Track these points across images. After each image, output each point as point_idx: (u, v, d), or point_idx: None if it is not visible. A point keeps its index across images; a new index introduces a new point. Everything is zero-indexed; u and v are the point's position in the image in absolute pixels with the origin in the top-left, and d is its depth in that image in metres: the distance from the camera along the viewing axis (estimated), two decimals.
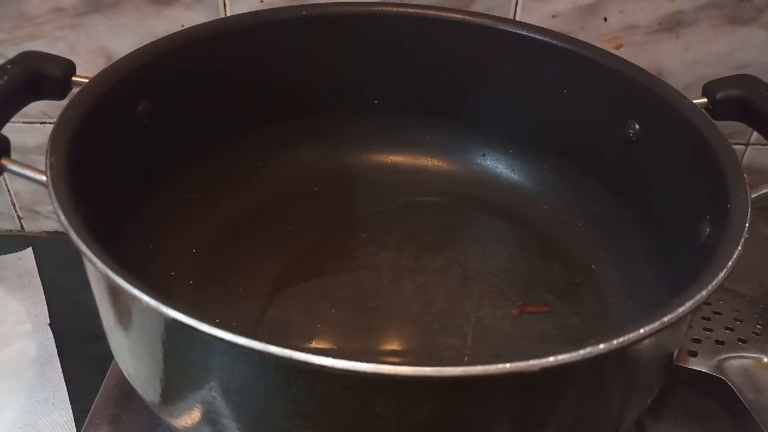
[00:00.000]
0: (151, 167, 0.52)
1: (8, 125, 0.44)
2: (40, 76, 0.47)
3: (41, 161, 0.40)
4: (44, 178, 0.39)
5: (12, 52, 0.48)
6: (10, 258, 0.69)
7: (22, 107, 0.46)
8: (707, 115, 0.48)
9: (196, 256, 0.54)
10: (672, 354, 0.43)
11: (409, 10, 0.58)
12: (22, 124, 0.67)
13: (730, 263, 0.37)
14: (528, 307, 0.52)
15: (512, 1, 0.62)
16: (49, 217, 0.74)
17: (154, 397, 0.41)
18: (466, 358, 0.49)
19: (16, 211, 0.74)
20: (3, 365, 0.58)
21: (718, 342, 0.52)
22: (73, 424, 0.54)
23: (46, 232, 0.75)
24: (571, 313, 0.53)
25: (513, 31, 0.56)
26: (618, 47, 0.64)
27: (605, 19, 0.62)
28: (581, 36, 0.57)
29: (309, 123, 0.61)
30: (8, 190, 0.72)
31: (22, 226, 0.75)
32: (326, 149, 0.63)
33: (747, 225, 0.39)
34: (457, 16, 0.57)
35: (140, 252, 0.50)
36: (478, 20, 0.57)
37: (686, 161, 0.48)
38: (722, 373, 0.50)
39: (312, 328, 0.50)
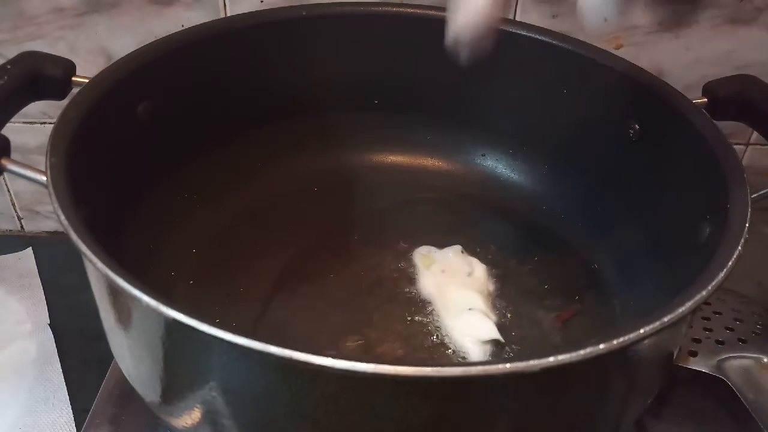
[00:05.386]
0: (151, 167, 0.52)
1: (8, 125, 0.44)
2: (40, 76, 0.47)
3: (41, 161, 0.40)
4: (44, 178, 0.39)
5: (12, 52, 0.48)
6: (10, 258, 0.69)
7: (22, 107, 0.46)
8: (707, 115, 0.48)
9: (196, 256, 0.54)
10: (672, 354, 0.43)
11: (409, 10, 0.58)
12: (22, 124, 0.67)
13: (730, 263, 0.37)
14: (564, 314, 0.52)
15: (512, 1, 0.61)
16: (49, 217, 0.74)
17: (154, 397, 0.41)
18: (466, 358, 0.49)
19: (16, 211, 0.74)
20: (3, 365, 0.58)
21: (718, 342, 0.52)
22: (73, 424, 0.54)
23: (46, 232, 0.75)
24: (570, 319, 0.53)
25: (513, 31, 0.56)
26: (618, 47, 0.64)
27: (605, 19, 0.62)
28: (581, 36, 0.57)
29: (309, 123, 0.61)
30: (8, 190, 0.72)
31: (22, 226, 0.75)
32: (326, 149, 0.63)
33: (747, 225, 0.39)
34: None
35: (140, 252, 0.50)
36: None
37: (686, 161, 0.48)
38: (722, 373, 0.50)
39: (312, 328, 0.50)
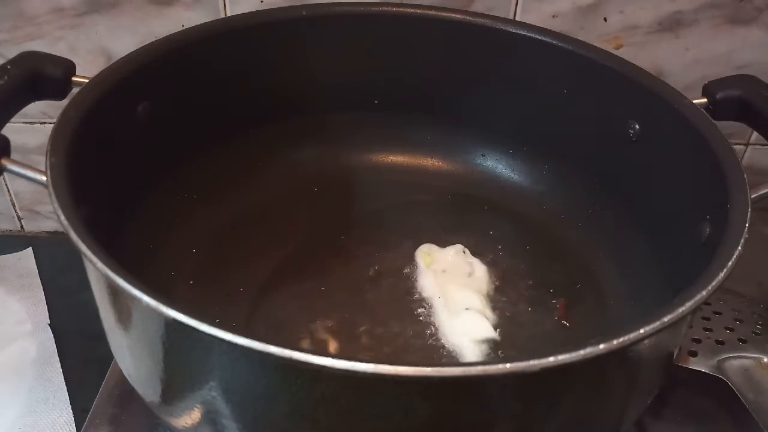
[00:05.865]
0: (151, 167, 0.52)
1: (8, 125, 0.44)
2: (40, 76, 0.47)
3: (41, 161, 0.40)
4: (44, 178, 0.39)
5: (12, 52, 0.48)
6: (10, 258, 0.69)
7: (22, 107, 0.46)
8: (707, 115, 0.48)
9: (196, 256, 0.54)
10: (672, 354, 0.43)
11: (409, 10, 0.58)
12: (22, 124, 0.67)
13: (730, 263, 0.37)
14: (562, 308, 0.52)
15: (512, 1, 0.62)
16: (49, 217, 0.74)
17: (154, 397, 0.41)
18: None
19: (16, 211, 0.74)
20: (3, 365, 0.58)
21: (718, 342, 0.52)
22: (73, 424, 0.54)
23: (46, 232, 0.75)
24: (571, 312, 0.53)
25: (513, 31, 0.56)
26: (618, 47, 0.64)
27: (605, 19, 0.62)
28: (581, 36, 0.57)
29: (309, 123, 0.61)
30: (8, 190, 0.72)
31: (22, 226, 0.75)
32: (326, 149, 0.63)
33: (747, 225, 0.39)
34: (457, 16, 0.57)
35: (140, 252, 0.50)
36: (478, 20, 0.57)
37: (686, 161, 0.48)
38: (722, 373, 0.50)
39: (312, 328, 0.50)
